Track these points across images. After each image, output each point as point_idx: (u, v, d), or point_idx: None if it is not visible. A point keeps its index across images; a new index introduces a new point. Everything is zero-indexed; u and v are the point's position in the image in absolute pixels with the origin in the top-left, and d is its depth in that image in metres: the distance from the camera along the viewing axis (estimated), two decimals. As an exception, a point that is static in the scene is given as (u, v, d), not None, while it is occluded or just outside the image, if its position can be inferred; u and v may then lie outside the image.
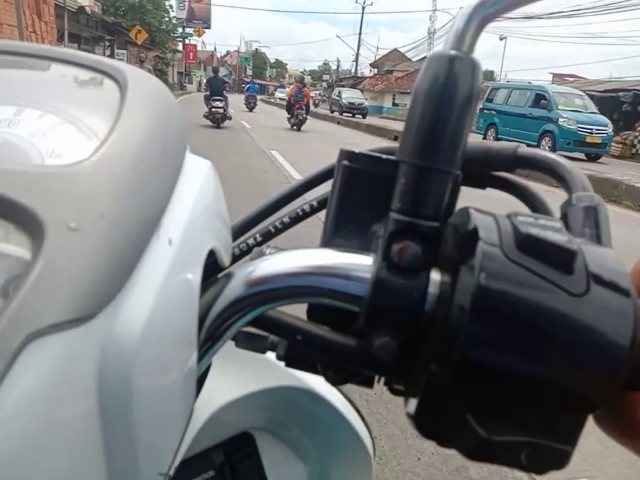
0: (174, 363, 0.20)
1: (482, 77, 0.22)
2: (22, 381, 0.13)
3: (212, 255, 0.24)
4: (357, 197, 0.25)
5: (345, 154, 0.25)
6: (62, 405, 0.15)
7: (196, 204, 0.22)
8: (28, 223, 0.15)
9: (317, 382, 0.44)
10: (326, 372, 0.24)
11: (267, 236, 0.35)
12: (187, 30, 44.83)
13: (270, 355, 0.34)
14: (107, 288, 0.16)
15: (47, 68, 0.23)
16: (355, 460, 0.48)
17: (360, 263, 0.22)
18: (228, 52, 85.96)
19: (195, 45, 49.47)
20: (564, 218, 0.25)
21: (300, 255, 0.22)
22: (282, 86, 65.06)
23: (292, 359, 0.25)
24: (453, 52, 0.21)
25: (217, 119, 11.59)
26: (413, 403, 0.21)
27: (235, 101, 24.47)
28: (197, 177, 0.23)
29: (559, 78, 34.02)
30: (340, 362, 0.24)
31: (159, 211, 0.19)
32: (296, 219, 0.35)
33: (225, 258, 0.26)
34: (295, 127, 13.50)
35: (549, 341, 0.18)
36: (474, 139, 0.28)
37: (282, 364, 0.31)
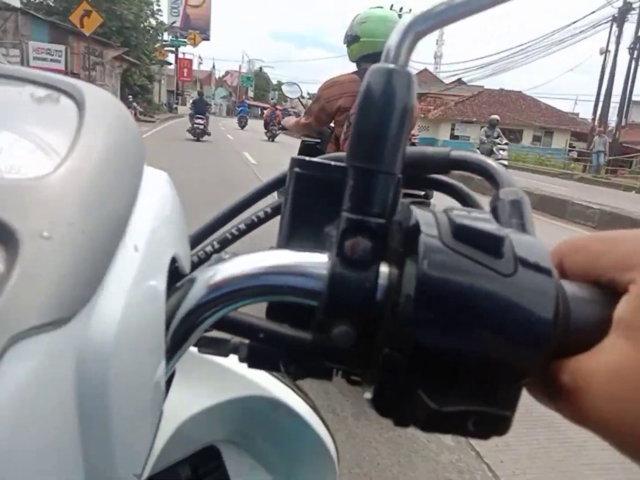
0: (146, 365, 0.21)
1: (417, 87, 0.24)
2: (7, 381, 0.14)
3: (173, 263, 0.25)
4: (309, 202, 0.26)
5: (297, 162, 0.27)
6: (43, 405, 0.15)
7: (157, 213, 0.23)
8: (2, 235, 0.15)
9: (279, 390, 0.45)
10: (287, 367, 0.26)
11: (225, 243, 0.37)
12: (181, 38, 37.13)
13: (232, 366, 0.39)
14: (81, 292, 0.16)
15: (1, 86, 0.23)
16: (320, 466, 0.48)
17: (316, 261, 0.23)
18: (228, 72, 78.66)
19: (190, 61, 42.45)
20: (494, 211, 0.28)
21: (259, 257, 0.24)
22: (287, 112, 65.51)
23: (254, 360, 0.26)
24: (391, 65, 0.23)
25: (198, 134, 14.45)
26: (369, 389, 0.23)
27: (232, 123, 26.14)
28: (155, 187, 0.24)
29: None
30: (301, 357, 0.25)
31: (124, 219, 0.20)
32: (252, 226, 0.36)
33: (185, 265, 0.27)
34: (270, 139, 18.89)
35: (484, 319, 0.20)
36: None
37: (243, 373, 0.37)
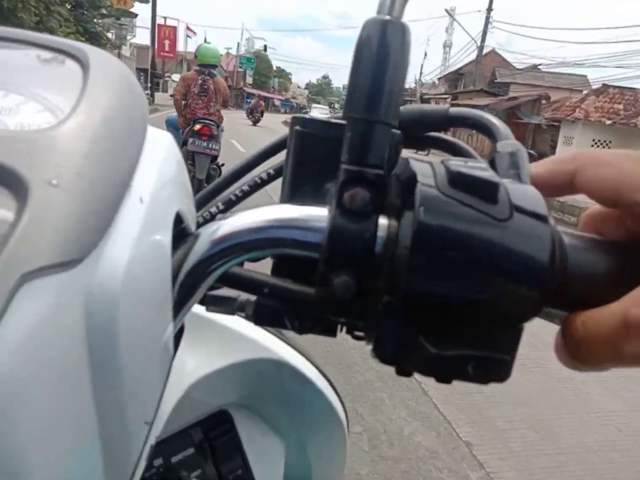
0: (154, 314, 0.21)
1: (411, 39, 0.24)
2: (19, 320, 0.14)
3: (179, 222, 0.25)
4: (310, 159, 0.27)
5: (298, 121, 0.27)
6: (56, 346, 0.15)
7: (161, 169, 0.23)
8: (12, 183, 0.16)
9: (289, 354, 0.45)
10: (292, 322, 0.26)
11: (229, 204, 0.37)
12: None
13: (241, 328, 0.39)
14: (88, 236, 0.17)
15: (6, 49, 0.23)
16: (331, 433, 0.49)
17: (317, 214, 0.24)
18: (225, 53, 54.82)
19: (174, 29, 30.75)
20: (491, 163, 0.28)
21: (261, 212, 0.24)
22: (289, 103, 60.54)
23: (260, 317, 0.27)
24: (386, 17, 0.23)
25: None
26: (373, 340, 0.23)
27: (236, 119, 23.01)
28: (159, 147, 0.25)
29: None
30: (304, 311, 0.26)
31: (130, 172, 0.21)
32: (255, 187, 0.37)
33: (191, 224, 0.27)
34: (254, 124, 23.24)
35: (481, 264, 0.21)
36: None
37: (252, 336, 0.38)
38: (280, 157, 0.33)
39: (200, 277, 0.24)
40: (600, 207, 0.25)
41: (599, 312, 0.21)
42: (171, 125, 4.92)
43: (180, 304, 0.24)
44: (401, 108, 0.32)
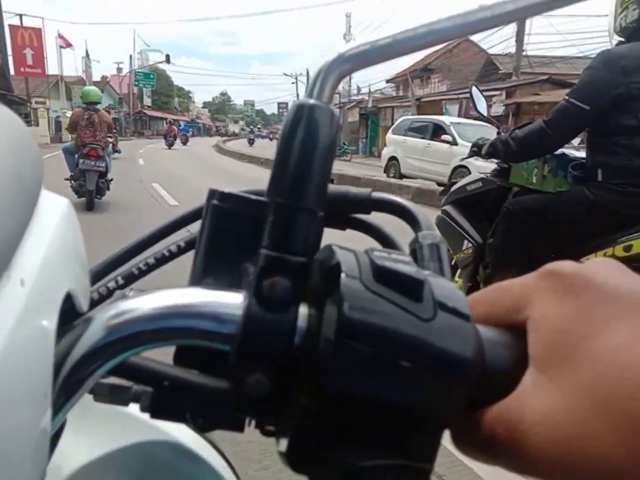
0: (26, 417, 0.18)
1: (338, 124, 0.24)
2: None
3: (69, 300, 0.22)
4: (226, 236, 0.25)
5: (215, 194, 0.25)
6: None
7: (51, 243, 0.21)
8: None
9: (182, 433, 0.42)
10: (195, 419, 0.24)
11: (130, 279, 0.34)
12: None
13: (131, 409, 0.32)
14: None
15: None
16: None
17: (230, 301, 0.22)
18: (105, 77, 41.78)
19: (38, 31, 21.45)
20: (413, 254, 0.28)
21: (165, 296, 0.22)
22: (194, 123, 56.65)
23: (158, 409, 0.24)
24: (314, 101, 0.23)
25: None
26: (284, 441, 0.21)
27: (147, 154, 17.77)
28: (53, 215, 0.22)
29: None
30: (210, 407, 0.23)
31: (10, 249, 0.18)
32: (162, 260, 0.34)
33: (83, 303, 0.24)
34: (168, 147, 25.07)
35: (404, 364, 0.20)
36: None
37: (144, 416, 0.30)
38: (194, 227, 0.30)
39: (88, 370, 0.21)
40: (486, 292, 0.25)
41: (512, 404, 0.21)
42: (67, 152, 6.77)
43: (63, 399, 0.21)
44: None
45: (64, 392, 0.21)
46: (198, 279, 0.25)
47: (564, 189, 2.07)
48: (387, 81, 35.46)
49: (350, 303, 0.20)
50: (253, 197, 0.25)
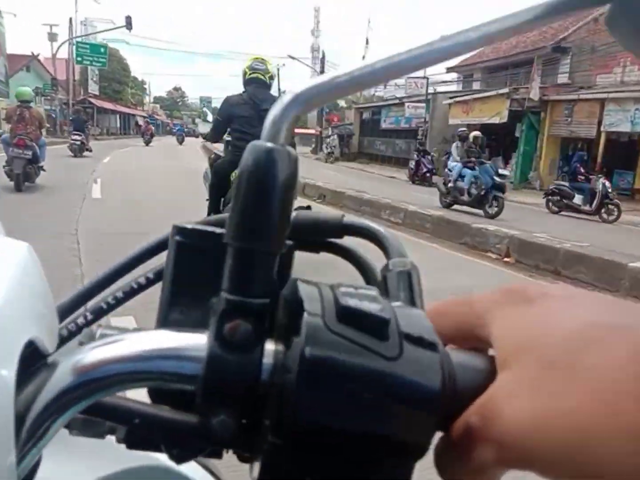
0: None
1: (297, 164, 0.23)
2: None
3: (31, 345, 0.22)
4: (191, 271, 0.25)
5: (178, 230, 0.25)
6: None
7: (10, 291, 0.21)
8: None
9: None
10: (170, 451, 0.24)
11: (99, 313, 0.33)
12: None
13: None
14: None
15: None
16: None
17: (194, 343, 0.22)
18: (37, 54, 29.71)
19: None
20: (384, 281, 0.28)
21: (131, 340, 0.22)
22: (153, 120, 52.56)
23: (134, 441, 0.24)
24: (271, 144, 0.22)
25: (75, 149, 15.62)
26: (257, 469, 0.22)
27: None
28: (11, 261, 0.22)
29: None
30: (182, 441, 0.23)
31: None
32: (130, 294, 0.33)
33: (48, 344, 0.24)
34: (146, 144, 27.94)
35: (371, 402, 0.20)
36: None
37: None
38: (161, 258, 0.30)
39: (55, 416, 0.21)
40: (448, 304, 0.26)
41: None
42: (4, 142, 8.29)
43: (30, 444, 0.21)
44: (296, 214, 0.32)
45: (32, 436, 0.21)
46: (166, 314, 0.26)
47: None
48: (448, 69, 24.42)
49: (312, 343, 0.20)
50: (217, 230, 0.25)
